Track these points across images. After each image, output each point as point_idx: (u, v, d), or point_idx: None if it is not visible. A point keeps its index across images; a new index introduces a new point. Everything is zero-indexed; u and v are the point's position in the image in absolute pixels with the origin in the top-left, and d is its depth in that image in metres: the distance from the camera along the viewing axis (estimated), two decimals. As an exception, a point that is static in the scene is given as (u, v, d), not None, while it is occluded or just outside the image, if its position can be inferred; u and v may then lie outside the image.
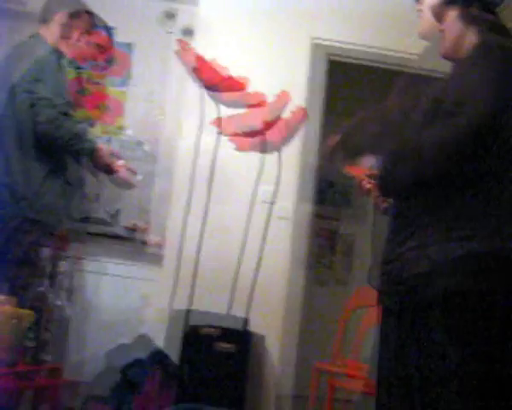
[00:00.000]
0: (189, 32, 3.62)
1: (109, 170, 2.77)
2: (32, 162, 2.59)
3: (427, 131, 1.55)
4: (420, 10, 1.86)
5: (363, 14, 3.49)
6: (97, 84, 3.88)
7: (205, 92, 2.87)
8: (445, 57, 1.77)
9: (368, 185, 1.81)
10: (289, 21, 3.48)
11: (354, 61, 3.67)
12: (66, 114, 2.70)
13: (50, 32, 2.76)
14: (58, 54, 2.74)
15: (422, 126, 1.60)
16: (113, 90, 3.92)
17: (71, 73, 3.72)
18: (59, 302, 1.93)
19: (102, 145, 2.82)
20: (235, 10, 3.50)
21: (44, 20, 2.80)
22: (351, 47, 3.51)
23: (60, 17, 2.77)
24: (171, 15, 3.89)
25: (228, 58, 3.05)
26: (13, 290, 2.34)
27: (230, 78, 2.69)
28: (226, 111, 3.00)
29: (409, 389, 1.54)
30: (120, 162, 2.78)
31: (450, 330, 1.47)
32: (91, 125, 3.89)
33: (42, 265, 1.93)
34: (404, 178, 1.55)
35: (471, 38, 1.66)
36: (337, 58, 3.62)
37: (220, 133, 2.74)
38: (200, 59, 2.74)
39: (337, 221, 5.08)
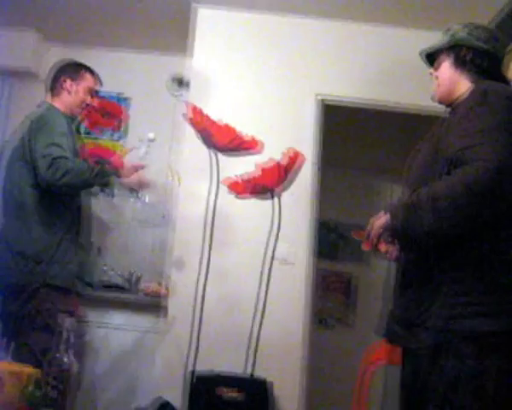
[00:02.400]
0: (186, 83, 3.71)
1: (139, 185, 2.86)
2: (47, 228, 2.64)
3: (440, 181, 1.59)
4: (435, 77, 1.91)
5: (366, 70, 3.61)
6: (95, 138, 4.03)
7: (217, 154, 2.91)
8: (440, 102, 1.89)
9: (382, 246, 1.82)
10: (294, 78, 3.58)
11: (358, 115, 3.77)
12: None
13: (58, 99, 2.89)
14: (69, 117, 2.85)
15: (424, 175, 1.67)
16: (111, 144, 4.07)
17: (84, 141, 3.85)
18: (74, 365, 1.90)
19: (123, 161, 2.87)
20: (238, 66, 3.60)
21: (51, 88, 2.93)
22: (354, 101, 3.60)
23: (65, 83, 2.89)
24: (179, 80, 4.01)
25: (229, 114, 3.08)
26: (33, 357, 2.36)
27: (243, 140, 2.73)
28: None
29: None
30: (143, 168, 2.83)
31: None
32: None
33: (62, 331, 1.91)
34: (427, 229, 1.56)
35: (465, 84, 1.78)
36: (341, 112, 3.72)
37: (237, 196, 2.77)
38: (211, 122, 2.79)
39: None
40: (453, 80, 1.83)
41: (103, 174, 2.69)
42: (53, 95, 2.92)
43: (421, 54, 1.98)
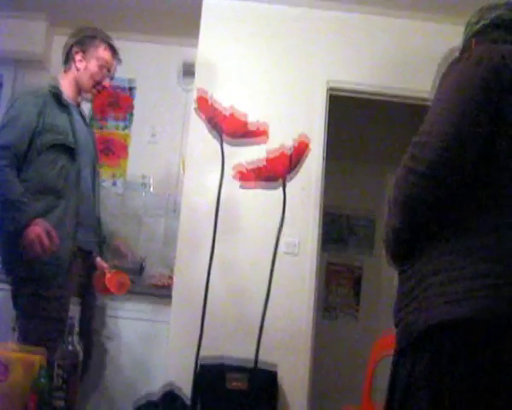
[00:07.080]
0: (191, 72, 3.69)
1: (40, 251, 2.26)
2: None
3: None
4: None
5: (377, 60, 3.59)
6: (101, 128, 4.03)
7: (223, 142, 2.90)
8: None
9: None
10: (304, 67, 3.57)
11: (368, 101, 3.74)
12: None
13: (66, 76, 2.57)
14: (55, 90, 2.49)
15: None
16: (116, 133, 4.06)
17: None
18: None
19: (40, 222, 2.28)
20: (246, 54, 3.59)
21: (64, 61, 2.62)
22: (365, 90, 3.57)
23: (75, 56, 2.56)
24: (189, 72, 3.98)
25: (236, 102, 3.04)
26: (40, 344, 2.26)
27: (251, 128, 2.71)
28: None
29: None
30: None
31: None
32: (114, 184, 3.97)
33: (71, 322, 1.91)
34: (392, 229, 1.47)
35: None
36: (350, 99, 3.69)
37: (242, 187, 2.77)
38: (218, 110, 2.77)
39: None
40: None
41: (15, 208, 2.25)
42: (63, 70, 2.59)
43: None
